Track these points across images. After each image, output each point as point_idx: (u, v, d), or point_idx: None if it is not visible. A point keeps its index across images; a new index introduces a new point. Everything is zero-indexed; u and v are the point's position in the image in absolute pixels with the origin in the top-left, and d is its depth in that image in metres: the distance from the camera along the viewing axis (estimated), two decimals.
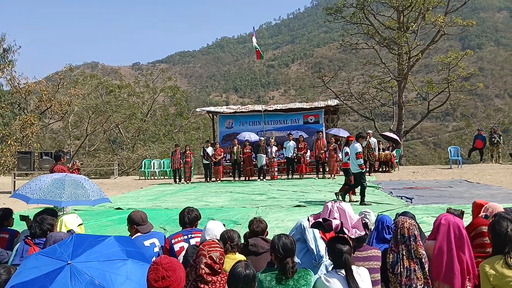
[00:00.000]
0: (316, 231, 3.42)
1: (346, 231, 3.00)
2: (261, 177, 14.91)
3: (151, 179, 17.60)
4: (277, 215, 8.23)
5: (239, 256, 3.44)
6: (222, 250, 2.92)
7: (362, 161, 9.37)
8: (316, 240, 3.33)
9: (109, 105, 28.43)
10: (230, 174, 15.89)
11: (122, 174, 25.98)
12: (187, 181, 15.07)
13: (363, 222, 3.24)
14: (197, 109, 19.60)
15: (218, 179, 15.21)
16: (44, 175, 4.97)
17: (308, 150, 15.83)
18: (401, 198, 9.68)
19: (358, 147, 9.35)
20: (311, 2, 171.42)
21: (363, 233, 3.07)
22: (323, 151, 14.81)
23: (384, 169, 16.33)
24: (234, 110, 18.03)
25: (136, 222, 3.96)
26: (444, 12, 22.59)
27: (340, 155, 16.24)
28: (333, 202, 3.18)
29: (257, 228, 3.76)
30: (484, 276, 3.18)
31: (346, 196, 9.69)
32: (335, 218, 3.05)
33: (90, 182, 4.59)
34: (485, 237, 3.70)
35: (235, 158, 15.13)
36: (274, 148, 15.05)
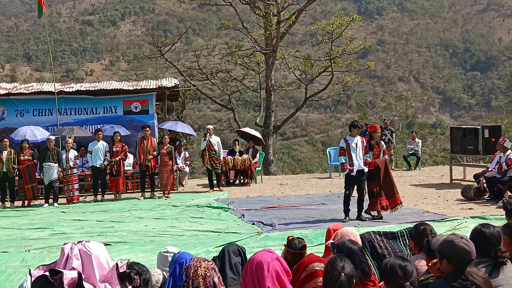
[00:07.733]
0: None
1: (89, 287, 2.85)
2: (51, 201, 14.31)
3: None
4: None
5: None
6: None
7: None
8: None
9: None
10: None
11: None
12: None
13: (124, 271, 3.10)
14: None
15: None
16: None
17: (130, 156, 15.75)
18: (253, 224, 10.14)
19: None
20: None
21: None
22: (151, 157, 14.77)
23: (242, 180, 17.02)
24: (8, 91, 17.02)
25: None
26: None
27: (179, 161, 16.43)
28: (74, 243, 3.00)
29: None
30: None
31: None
32: (73, 268, 2.87)
33: None
34: (318, 278, 3.94)
35: (4, 170, 14.07)
36: (73, 153, 14.54)
